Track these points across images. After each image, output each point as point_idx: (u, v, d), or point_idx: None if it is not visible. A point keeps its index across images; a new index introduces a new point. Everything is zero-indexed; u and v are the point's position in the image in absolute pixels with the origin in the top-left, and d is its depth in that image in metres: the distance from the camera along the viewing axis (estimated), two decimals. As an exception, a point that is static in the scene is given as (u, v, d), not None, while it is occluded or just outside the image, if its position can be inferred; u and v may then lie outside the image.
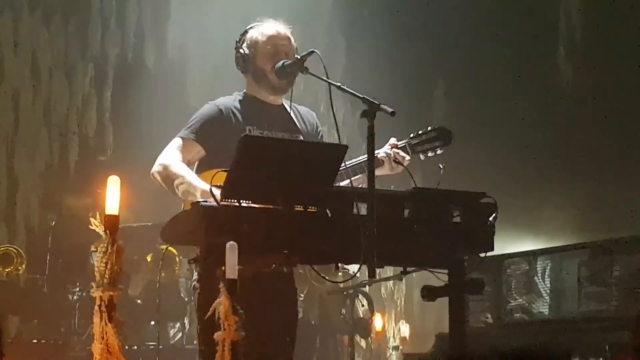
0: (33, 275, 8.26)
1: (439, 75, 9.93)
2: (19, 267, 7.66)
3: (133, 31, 9.68)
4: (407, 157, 4.00)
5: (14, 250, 7.75)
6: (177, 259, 7.74)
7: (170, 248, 7.31)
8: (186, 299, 8.13)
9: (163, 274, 7.59)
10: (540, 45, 9.40)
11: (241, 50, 4.13)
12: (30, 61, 9.36)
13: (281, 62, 4.03)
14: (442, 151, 4.00)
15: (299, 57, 4.01)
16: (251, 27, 4.18)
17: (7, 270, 7.60)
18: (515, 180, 8.92)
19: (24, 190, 9.12)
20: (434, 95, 9.94)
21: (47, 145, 9.28)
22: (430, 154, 4.01)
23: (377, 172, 3.86)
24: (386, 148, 4.01)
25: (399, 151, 3.99)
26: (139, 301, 7.60)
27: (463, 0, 9.33)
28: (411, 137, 4.04)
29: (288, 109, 4.18)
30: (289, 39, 4.14)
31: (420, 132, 4.03)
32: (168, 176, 3.89)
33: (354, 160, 3.93)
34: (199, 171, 3.97)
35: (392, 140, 4.04)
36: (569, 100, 9.21)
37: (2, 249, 7.69)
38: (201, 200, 3.36)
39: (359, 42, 9.72)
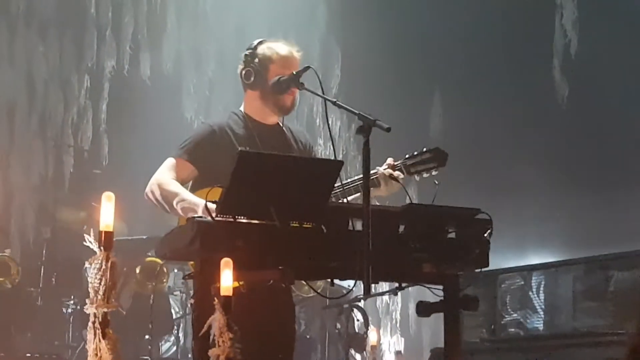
0: (27, 288, 8.23)
1: (435, 88, 9.94)
2: (15, 278, 7.60)
3: (129, 43, 9.68)
4: (402, 176, 3.99)
5: (11, 260, 7.70)
6: (164, 269, 7.70)
7: (156, 260, 7.34)
8: (180, 313, 8.11)
9: (151, 286, 7.55)
10: (536, 58, 9.41)
11: (253, 66, 4.11)
12: (25, 73, 9.34)
13: (277, 77, 4.03)
14: (437, 172, 3.99)
15: (294, 72, 4.01)
16: (260, 44, 4.14)
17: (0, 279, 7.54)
18: (510, 196, 8.91)
19: (19, 202, 9.09)
20: (430, 108, 9.94)
21: (42, 157, 9.26)
22: (425, 175, 4.00)
23: (374, 192, 3.87)
24: (382, 168, 4.00)
25: (392, 172, 3.98)
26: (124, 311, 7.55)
27: (459, 14, 9.34)
28: (406, 158, 4.02)
29: (282, 128, 4.18)
30: (298, 62, 4.13)
31: (415, 153, 4.02)
32: (164, 195, 3.89)
33: (350, 180, 3.93)
34: (192, 191, 3.98)
35: (389, 160, 4.03)
36: (564, 114, 9.22)
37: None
38: (196, 215, 3.37)
39: (355, 53, 9.72)
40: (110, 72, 9.66)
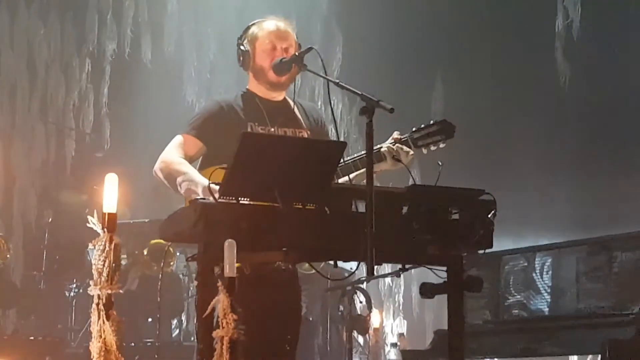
0: (30, 272, 8.24)
1: (437, 69, 9.92)
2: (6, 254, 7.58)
3: (130, 26, 9.65)
4: (411, 152, 3.95)
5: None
6: (171, 250, 7.71)
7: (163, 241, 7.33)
8: (183, 295, 8.12)
9: (155, 268, 7.56)
10: (538, 39, 9.39)
11: (242, 47, 4.12)
12: (26, 56, 9.32)
13: (279, 59, 4.03)
14: (444, 145, 3.95)
15: (297, 54, 4.00)
16: (253, 24, 4.16)
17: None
18: (514, 177, 8.91)
19: (21, 186, 9.08)
20: (432, 90, 9.93)
21: (44, 141, 9.25)
22: (432, 148, 3.94)
23: (379, 166, 3.85)
24: (389, 142, 3.97)
25: (402, 146, 3.94)
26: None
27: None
28: (413, 131, 3.97)
29: (291, 104, 4.16)
30: (289, 35, 4.12)
31: (422, 125, 3.96)
32: (170, 173, 3.88)
33: (355, 155, 3.90)
34: (201, 168, 3.96)
35: (395, 134, 3.99)
36: (566, 96, 9.21)
37: None
38: (199, 197, 3.36)
39: (356, 36, 9.70)
40: (111, 56, 9.64)
